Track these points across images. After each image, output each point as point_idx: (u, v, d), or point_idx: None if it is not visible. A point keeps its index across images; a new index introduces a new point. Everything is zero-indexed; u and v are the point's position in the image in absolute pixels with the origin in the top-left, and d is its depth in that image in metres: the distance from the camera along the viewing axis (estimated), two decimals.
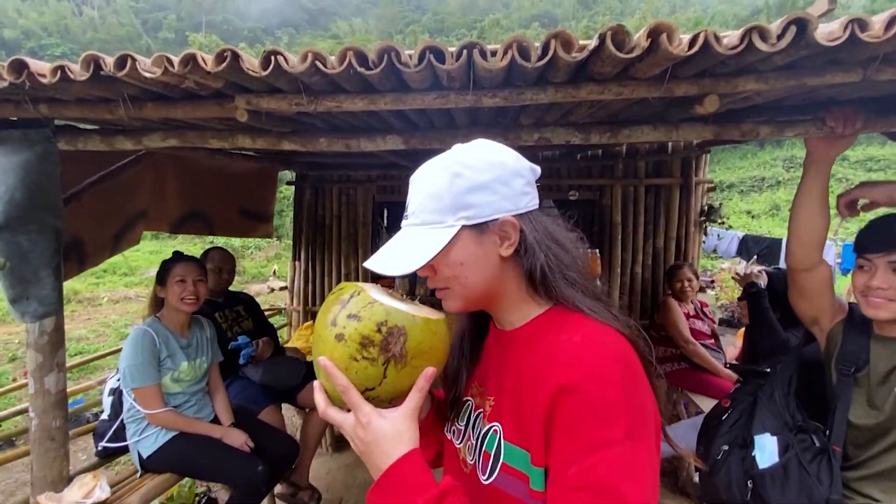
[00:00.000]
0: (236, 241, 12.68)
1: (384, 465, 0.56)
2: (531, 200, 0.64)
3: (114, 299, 10.46)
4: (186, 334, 2.04)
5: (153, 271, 13.06)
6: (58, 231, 1.60)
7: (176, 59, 0.95)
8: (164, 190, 2.61)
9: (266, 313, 3.03)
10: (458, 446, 0.72)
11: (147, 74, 0.97)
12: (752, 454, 1.33)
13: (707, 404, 2.62)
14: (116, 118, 1.25)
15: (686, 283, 2.88)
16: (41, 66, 1.04)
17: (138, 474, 1.93)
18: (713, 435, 1.43)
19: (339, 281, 3.80)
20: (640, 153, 3.29)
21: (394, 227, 3.95)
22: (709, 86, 0.98)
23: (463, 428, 0.72)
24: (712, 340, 2.92)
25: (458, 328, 0.77)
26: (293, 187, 3.86)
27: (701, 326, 2.91)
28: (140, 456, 1.90)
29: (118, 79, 1.04)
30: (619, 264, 3.41)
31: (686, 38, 0.81)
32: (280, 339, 2.99)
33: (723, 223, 3.58)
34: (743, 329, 4.85)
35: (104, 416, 2.07)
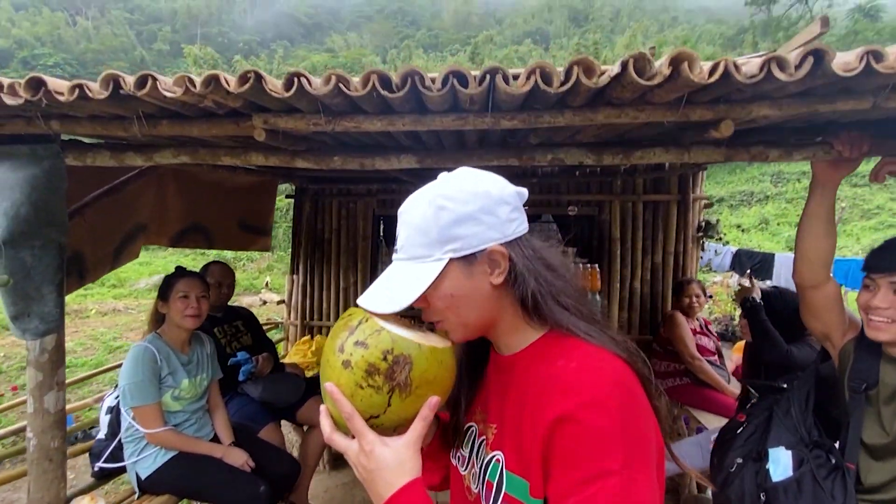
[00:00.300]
0: (228, 253, 12.61)
1: (386, 494, 0.57)
2: (519, 226, 0.64)
3: (102, 311, 10.26)
4: (187, 351, 2.00)
5: (143, 283, 12.83)
6: (62, 246, 1.58)
7: (198, 80, 0.96)
8: (164, 204, 2.59)
9: (263, 327, 2.99)
10: (462, 473, 0.72)
11: (168, 94, 0.97)
12: (766, 467, 1.33)
13: (709, 420, 2.62)
14: (130, 135, 1.24)
15: (694, 299, 2.91)
16: (59, 84, 1.04)
17: (136, 496, 1.88)
18: (727, 448, 1.43)
19: (337, 295, 3.78)
20: (639, 170, 3.34)
21: (390, 240, 3.95)
22: (723, 111, 1.00)
23: (467, 455, 0.71)
24: (716, 357, 2.94)
25: (456, 353, 0.77)
26: (289, 200, 3.86)
27: (706, 343, 2.93)
28: (138, 477, 1.85)
29: (135, 97, 1.03)
30: (619, 279, 3.43)
31: (707, 66, 0.84)
32: (278, 355, 2.95)
33: (720, 239, 3.63)
34: (740, 343, 4.89)
35: (101, 436, 2.02)
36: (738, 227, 15.83)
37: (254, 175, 3.07)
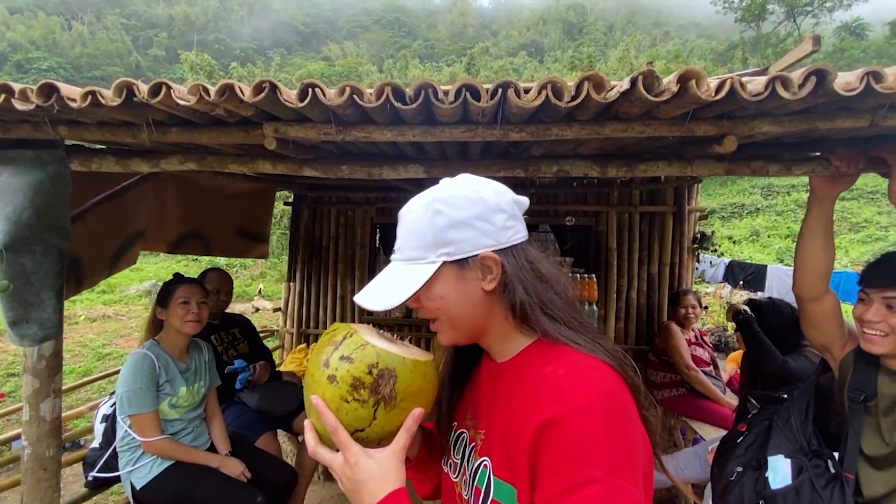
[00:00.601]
0: (221, 260, 12.53)
1: None
2: (515, 234, 0.65)
3: (91, 318, 10.12)
4: (185, 358, 1.99)
5: (134, 289, 12.67)
6: (62, 252, 1.56)
7: (213, 89, 0.96)
8: (164, 210, 2.58)
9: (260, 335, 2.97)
10: (454, 480, 0.72)
11: (182, 102, 0.98)
12: (765, 475, 1.34)
13: (706, 431, 2.63)
14: (138, 142, 1.24)
15: (690, 310, 2.94)
16: (71, 91, 1.04)
17: None
18: (727, 457, 1.45)
19: (334, 303, 3.77)
20: (635, 181, 3.38)
21: (388, 248, 3.95)
22: (727, 127, 1.03)
23: (458, 461, 0.72)
24: (711, 367, 2.96)
25: (445, 358, 0.78)
26: (287, 207, 3.85)
27: (701, 353, 2.95)
28: (133, 487, 1.82)
29: (148, 105, 1.04)
30: (615, 289, 3.46)
31: (713, 83, 0.86)
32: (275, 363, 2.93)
33: (715, 250, 3.68)
34: (734, 354, 4.93)
35: (95, 444, 1.99)
36: (730, 238, 16.02)
37: (253, 182, 3.07)
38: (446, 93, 0.94)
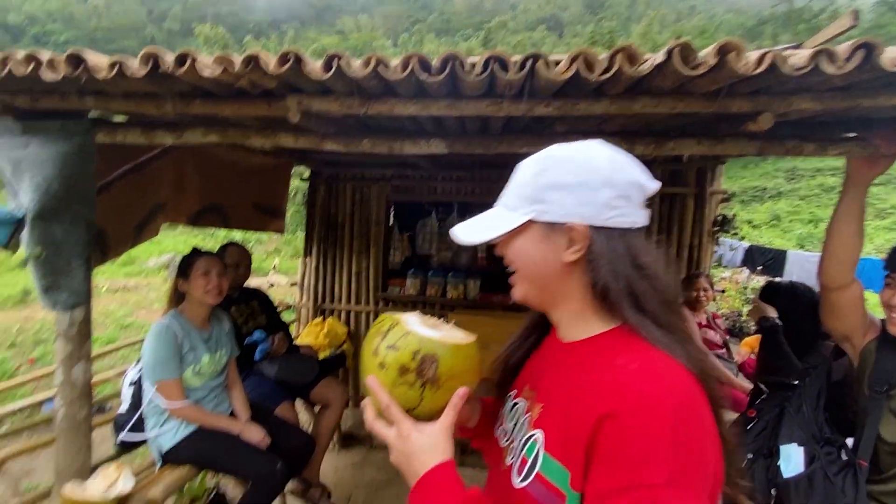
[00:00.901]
0: (238, 235, 12.72)
1: (421, 473, 0.61)
2: (620, 216, 0.60)
3: (113, 289, 10.41)
4: (207, 327, 2.04)
5: (153, 262, 12.97)
6: (90, 223, 1.60)
7: (237, 60, 0.96)
8: (183, 183, 2.61)
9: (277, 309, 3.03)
10: (502, 446, 0.73)
11: (206, 73, 0.98)
12: (777, 463, 1.35)
13: None
14: (162, 113, 1.25)
15: (702, 293, 2.90)
16: (99, 61, 1.04)
17: (157, 466, 1.93)
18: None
19: (349, 278, 3.81)
20: (657, 161, 3.30)
21: (402, 226, 3.96)
22: (763, 103, 0.99)
23: (510, 429, 0.72)
24: (724, 350, 2.94)
25: (521, 325, 0.78)
26: (303, 184, 3.86)
27: (713, 336, 2.93)
28: (160, 449, 1.90)
29: (172, 76, 1.04)
30: None
31: (753, 56, 0.83)
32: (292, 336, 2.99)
33: (735, 234, 3.60)
34: (748, 339, 4.88)
35: (123, 409, 2.07)
36: (750, 222, 15.66)
37: (270, 157, 3.08)
38: (473, 64, 0.92)
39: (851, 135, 1.20)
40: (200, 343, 1.96)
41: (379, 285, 3.68)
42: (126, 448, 2.09)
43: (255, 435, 1.98)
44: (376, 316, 3.72)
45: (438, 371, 0.64)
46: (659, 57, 0.85)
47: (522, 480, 0.62)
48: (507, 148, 1.38)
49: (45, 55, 1.07)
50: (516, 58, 0.91)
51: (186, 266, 2.00)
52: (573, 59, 0.88)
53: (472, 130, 1.75)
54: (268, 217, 3.45)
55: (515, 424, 0.71)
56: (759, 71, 0.83)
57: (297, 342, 3.21)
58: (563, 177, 0.60)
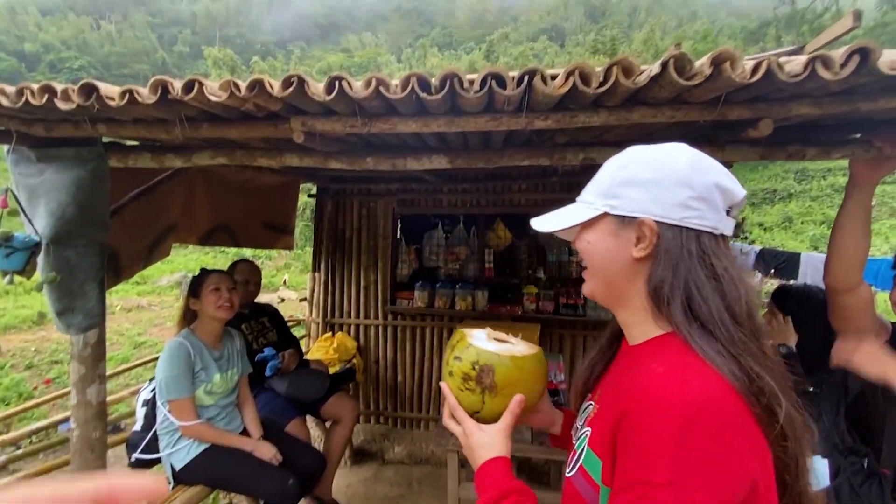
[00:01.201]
0: (247, 251, 12.87)
1: (478, 465, 0.72)
2: (697, 218, 0.58)
3: (126, 308, 10.56)
4: (219, 346, 2.06)
5: (165, 280, 13.12)
6: (104, 245, 1.64)
7: (243, 84, 0.99)
8: (193, 204, 2.66)
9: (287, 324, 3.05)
10: (574, 443, 0.77)
11: (214, 98, 1.01)
12: None
13: None
14: (171, 138, 1.28)
15: None
16: (110, 90, 1.08)
17: (170, 486, 1.94)
18: None
19: (358, 293, 3.83)
20: None
21: (409, 239, 3.98)
22: (762, 110, 0.99)
23: (577, 428, 0.76)
24: None
25: (604, 335, 0.79)
26: (310, 200, 3.91)
27: None
28: (173, 468, 1.92)
29: (181, 101, 1.07)
30: None
31: (749, 65, 0.83)
32: (302, 352, 3.00)
33: (745, 238, 3.56)
34: None
35: (136, 428, 2.09)
36: (761, 225, 15.46)
37: (278, 175, 3.13)
38: (472, 82, 0.94)
39: (855, 136, 1.20)
40: (212, 362, 1.98)
41: (387, 299, 3.70)
42: (140, 467, 2.11)
43: (267, 452, 1.99)
44: (385, 330, 3.74)
45: (495, 379, 0.72)
46: (654, 68, 0.86)
47: (570, 471, 0.68)
48: (509, 161, 1.39)
49: (59, 86, 1.11)
50: (513, 74, 0.93)
51: (197, 285, 2.03)
52: (569, 74, 0.90)
53: (475, 145, 1.77)
54: (276, 234, 3.50)
55: (581, 423, 0.75)
56: (755, 79, 0.83)
57: (308, 357, 3.22)
58: (639, 174, 0.61)
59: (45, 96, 1.12)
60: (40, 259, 1.53)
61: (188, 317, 2.07)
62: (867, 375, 1.15)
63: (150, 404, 2.05)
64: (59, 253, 1.55)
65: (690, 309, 0.58)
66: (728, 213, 0.61)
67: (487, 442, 0.72)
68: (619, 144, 1.41)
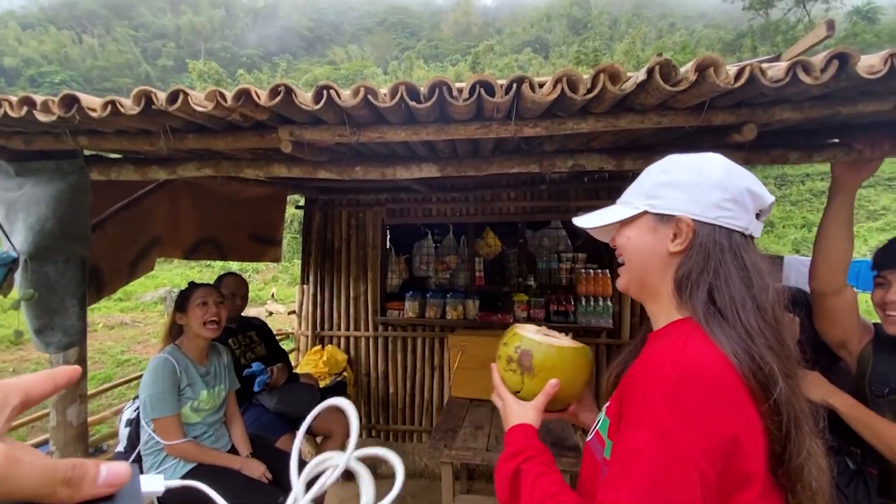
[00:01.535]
0: (234, 265, 12.68)
1: (509, 427, 0.81)
2: (730, 218, 0.64)
3: (109, 325, 10.31)
4: (205, 362, 2.01)
5: (149, 296, 12.85)
6: (84, 260, 1.60)
7: (229, 94, 0.98)
8: (178, 217, 2.62)
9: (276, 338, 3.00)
10: None
11: (199, 109, 0.99)
12: None
13: None
14: (156, 150, 1.26)
15: None
16: (92, 101, 1.06)
17: None
18: None
19: (348, 304, 3.79)
20: None
21: (398, 248, 3.97)
22: (746, 115, 1.01)
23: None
24: None
25: (636, 337, 0.86)
26: (298, 211, 3.88)
27: None
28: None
29: (165, 112, 1.05)
30: None
31: (732, 70, 0.85)
32: (292, 365, 2.95)
33: None
34: None
35: (119, 448, 2.03)
36: None
37: (265, 187, 3.10)
38: (460, 90, 0.94)
39: (834, 141, 1.22)
40: (198, 378, 1.93)
41: (377, 310, 3.67)
42: None
43: (256, 470, 1.93)
44: (375, 341, 3.70)
45: (533, 362, 0.81)
46: (640, 75, 0.87)
47: (589, 437, 0.75)
48: (498, 169, 1.40)
49: (39, 98, 1.08)
50: (502, 81, 0.93)
51: (184, 299, 1.98)
52: (557, 81, 0.90)
53: (464, 153, 1.77)
54: (264, 246, 3.45)
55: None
56: (738, 84, 0.85)
57: (297, 371, 3.17)
58: (678, 177, 0.68)
59: (25, 108, 1.10)
60: (18, 275, 1.48)
61: (174, 332, 2.02)
62: (812, 400, 1.20)
63: (134, 424, 1.99)
64: (38, 269, 1.50)
65: (712, 298, 0.63)
66: (758, 216, 0.67)
67: (521, 413, 0.81)
68: (608, 150, 1.43)
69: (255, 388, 2.40)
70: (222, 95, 0.98)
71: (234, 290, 2.59)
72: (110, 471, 0.30)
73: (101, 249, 2.09)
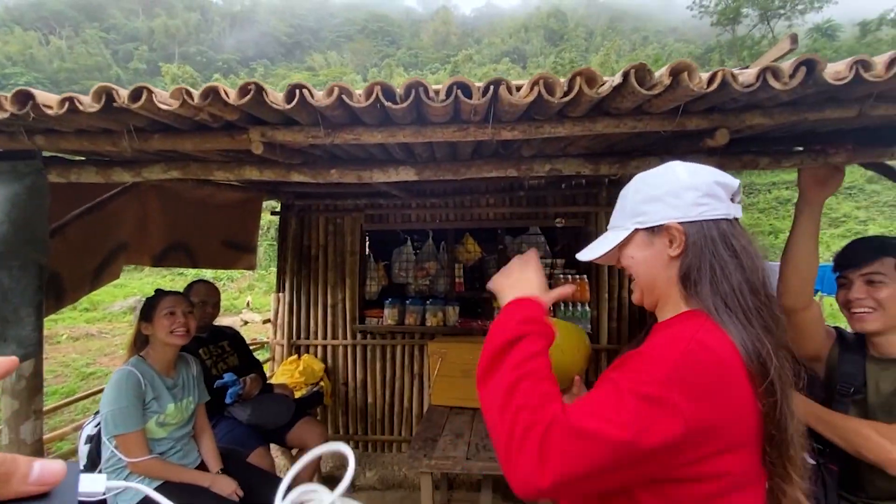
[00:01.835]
0: (208, 273, 12.32)
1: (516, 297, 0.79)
2: (708, 211, 0.71)
3: (74, 336, 9.86)
4: (172, 374, 1.92)
5: (118, 306, 12.40)
6: (42, 267, 1.51)
7: (196, 92, 0.94)
8: (146, 221, 2.52)
9: (250, 347, 2.91)
10: None
11: (164, 107, 0.95)
12: None
13: None
14: (119, 150, 1.20)
15: None
16: (47, 98, 1.00)
17: None
18: None
19: (325, 312, 3.72)
20: (624, 180, 3.38)
21: (377, 255, 3.93)
22: (718, 120, 1.03)
23: None
24: None
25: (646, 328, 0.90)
26: (274, 218, 3.79)
27: None
28: None
29: (128, 110, 1.01)
30: (607, 290, 3.46)
31: (705, 76, 0.86)
32: (266, 376, 2.86)
33: None
34: None
35: (79, 468, 1.91)
36: None
37: (239, 191, 3.02)
38: (437, 91, 0.92)
39: (799, 148, 1.26)
40: (165, 391, 1.84)
41: (356, 317, 3.61)
42: None
43: (227, 487, 1.85)
44: (353, 350, 3.63)
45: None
46: (616, 79, 0.88)
47: None
48: (477, 172, 1.39)
49: None
50: (479, 84, 0.92)
51: (150, 308, 1.90)
52: (534, 84, 0.90)
53: (442, 157, 1.76)
54: (238, 253, 3.35)
55: None
56: (711, 89, 0.86)
57: (272, 381, 3.07)
58: (653, 191, 0.74)
59: None
60: None
61: (139, 343, 1.93)
62: None
63: (95, 440, 1.88)
64: None
65: (714, 287, 0.68)
66: (732, 200, 0.74)
67: (537, 288, 0.78)
68: (584, 156, 1.44)
69: (227, 400, 2.32)
70: (189, 94, 0.94)
71: (204, 297, 2.49)
72: (44, 468, 0.28)
73: (62, 255, 1.98)
